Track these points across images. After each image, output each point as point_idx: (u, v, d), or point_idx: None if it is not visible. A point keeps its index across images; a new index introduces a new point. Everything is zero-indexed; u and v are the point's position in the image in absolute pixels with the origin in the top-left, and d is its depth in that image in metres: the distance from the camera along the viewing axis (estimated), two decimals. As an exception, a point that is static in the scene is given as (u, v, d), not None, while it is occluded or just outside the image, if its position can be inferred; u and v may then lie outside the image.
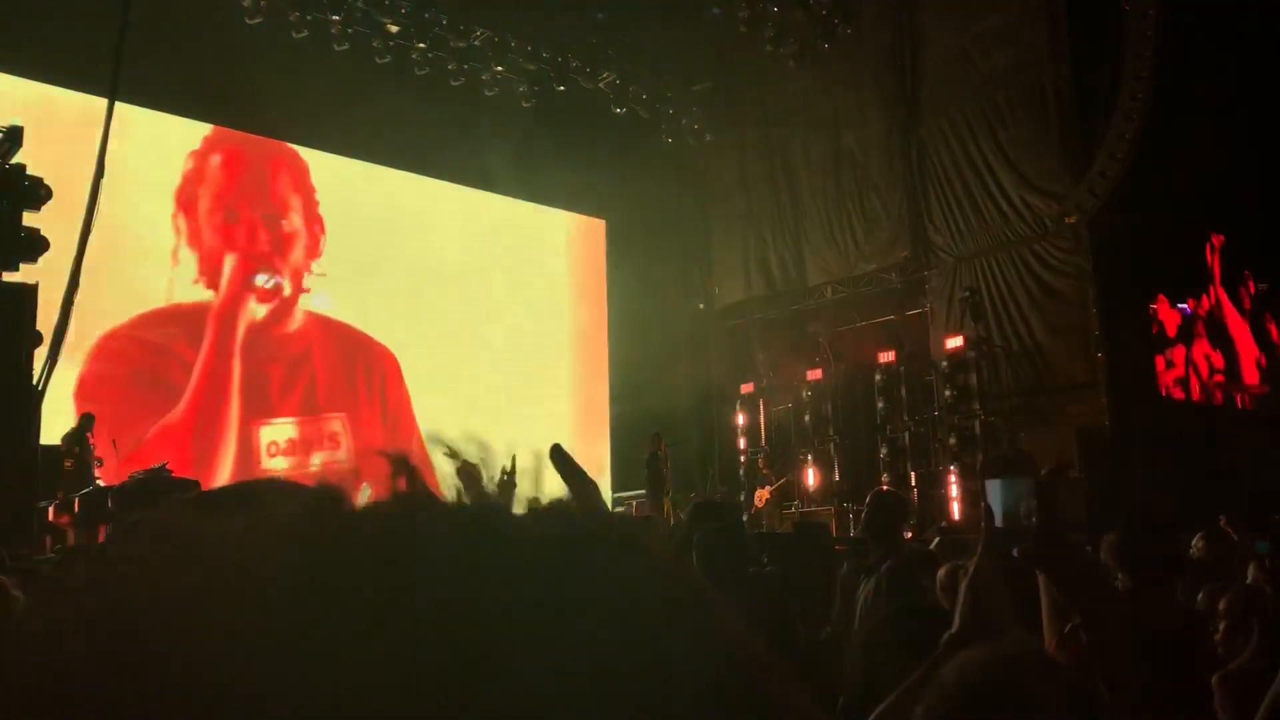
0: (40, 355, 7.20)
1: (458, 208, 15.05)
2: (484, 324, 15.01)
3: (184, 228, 12.47)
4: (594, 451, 15.59)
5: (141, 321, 11.95)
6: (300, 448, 12.73)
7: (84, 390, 11.04)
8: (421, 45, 14.06)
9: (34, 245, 7.16)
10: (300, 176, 13.54)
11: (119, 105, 11.82)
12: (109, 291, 11.40)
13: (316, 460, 12.77)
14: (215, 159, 12.82)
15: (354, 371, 13.60)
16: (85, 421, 9.45)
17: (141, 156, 12.02)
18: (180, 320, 12.24)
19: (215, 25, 11.98)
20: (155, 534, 0.33)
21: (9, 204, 7.01)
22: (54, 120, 10.98)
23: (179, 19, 11.24)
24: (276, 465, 12.43)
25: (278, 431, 12.59)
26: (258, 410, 12.50)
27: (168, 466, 8.80)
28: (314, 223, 13.53)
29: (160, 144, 12.43)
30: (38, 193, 7.14)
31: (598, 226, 17.02)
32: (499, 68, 14.75)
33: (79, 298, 7.42)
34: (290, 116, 12.65)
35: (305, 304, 13.38)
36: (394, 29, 13.79)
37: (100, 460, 9.40)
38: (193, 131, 12.78)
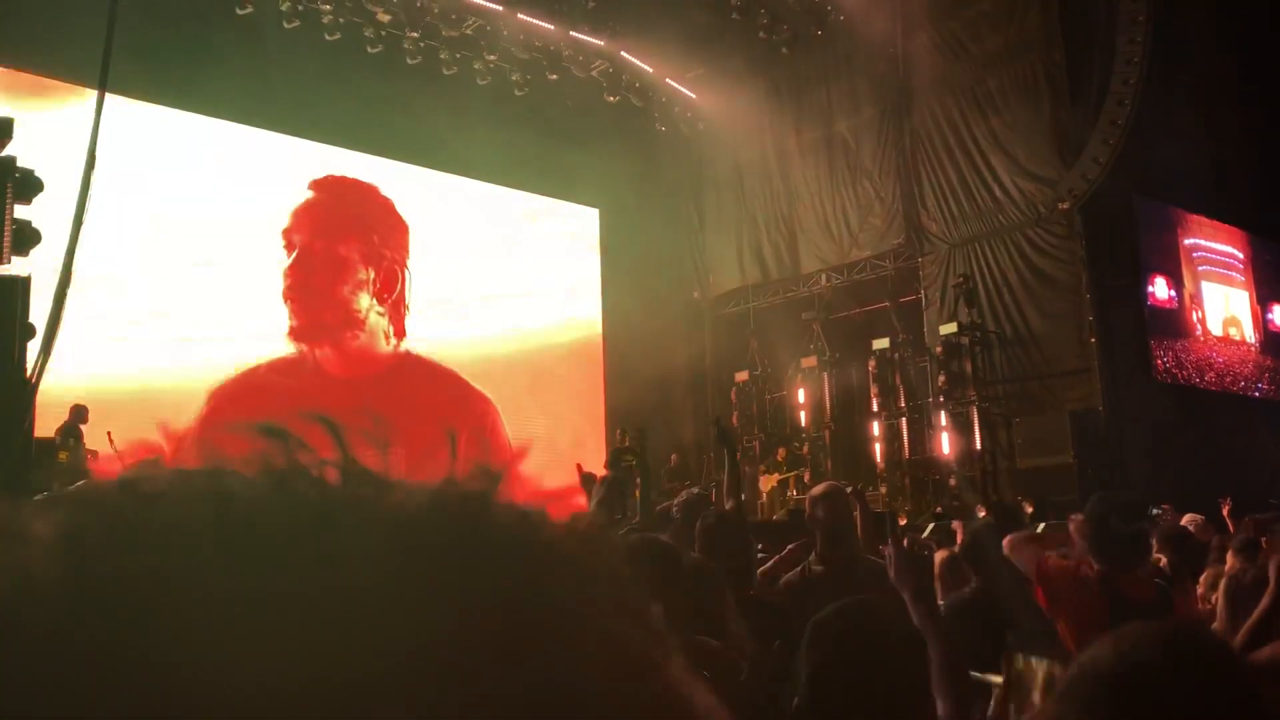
0: (33, 348, 7.18)
1: (449, 197, 15.00)
2: (476, 313, 14.99)
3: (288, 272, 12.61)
4: (588, 441, 15.58)
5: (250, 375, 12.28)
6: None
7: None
8: (414, 34, 14.01)
9: (26, 238, 7.12)
10: (376, 219, 13.58)
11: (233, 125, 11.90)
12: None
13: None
14: (300, 201, 12.95)
15: (438, 411, 13.56)
16: (78, 414, 9.43)
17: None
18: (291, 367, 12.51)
19: (204, 14, 11.92)
20: None
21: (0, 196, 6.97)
22: (46, 111, 10.94)
23: (168, 8, 11.18)
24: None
25: None
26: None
27: (163, 459, 8.79)
28: (388, 264, 13.55)
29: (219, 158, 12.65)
30: (29, 184, 7.11)
31: (591, 215, 16.99)
32: (491, 56, 14.70)
33: (101, 298, 7.40)
34: (279, 106, 12.61)
35: (390, 346, 13.50)
36: (385, 18, 13.73)
37: (94, 453, 9.39)
38: (303, 162, 12.95)
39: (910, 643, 1.72)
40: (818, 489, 3.98)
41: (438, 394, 13.67)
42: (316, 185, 13.21)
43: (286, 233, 12.78)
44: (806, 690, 1.70)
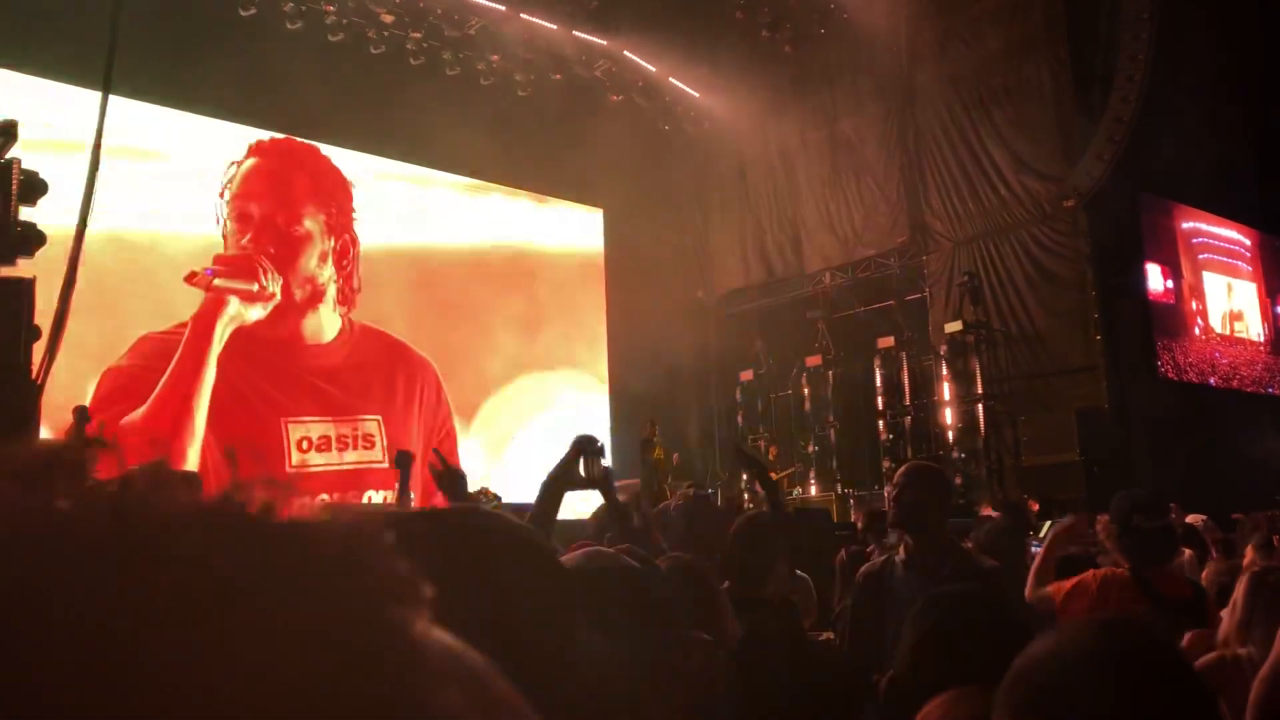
0: (39, 349, 7.19)
1: (453, 197, 15.02)
2: (480, 314, 14.99)
3: (230, 230, 12.52)
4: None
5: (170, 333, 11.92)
6: (335, 444, 12.71)
7: (105, 386, 11.18)
8: (417, 35, 14.02)
9: (30, 239, 7.13)
10: (331, 187, 13.54)
11: (157, 108, 11.98)
12: (150, 298, 11.77)
13: (350, 458, 12.76)
14: (246, 165, 12.87)
15: (393, 379, 13.59)
16: (80, 415, 9.46)
17: (191, 161, 12.34)
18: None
19: (208, 15, 11.93)
20: None
21: (4, 198, 6.98)
22: (50, 113, 10.96)
23: (171, 10, 11.20)
24: (311, 460, 12.41)
25: (309, 429, 12.53)
26: (283, 409, 12.43)
27: (167, 461, 8.79)
28: (343, 234, 13.51)
29: (205, 150, 12.62)
30: (33, 186, 7.12)
31: (595, 215, 16.99)
32: (494, 56, 14.70)
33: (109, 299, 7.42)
34: (281, 105, 12.61)
35: (338, 313, 13.48)
36: (389, 19, 13.74)
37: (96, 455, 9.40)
38: (238, 138, 12.89)
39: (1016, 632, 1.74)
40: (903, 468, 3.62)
41: (386, 359, 13.68)
42: (264, 150, 13.07)
43: (239, 200, 12.65)
44: (907, 660, 1.74)
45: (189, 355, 11.73)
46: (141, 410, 11.31)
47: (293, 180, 13.10)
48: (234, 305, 11.99)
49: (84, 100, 10.08)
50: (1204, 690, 1.14)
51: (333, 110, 12.84)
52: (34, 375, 7.06)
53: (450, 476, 3.55)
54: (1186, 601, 3.34)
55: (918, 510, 3.32)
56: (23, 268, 7.19)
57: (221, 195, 12.58)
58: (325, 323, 13.23)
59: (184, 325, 11.85)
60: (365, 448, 12.93)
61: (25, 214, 7.18)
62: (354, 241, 13.47)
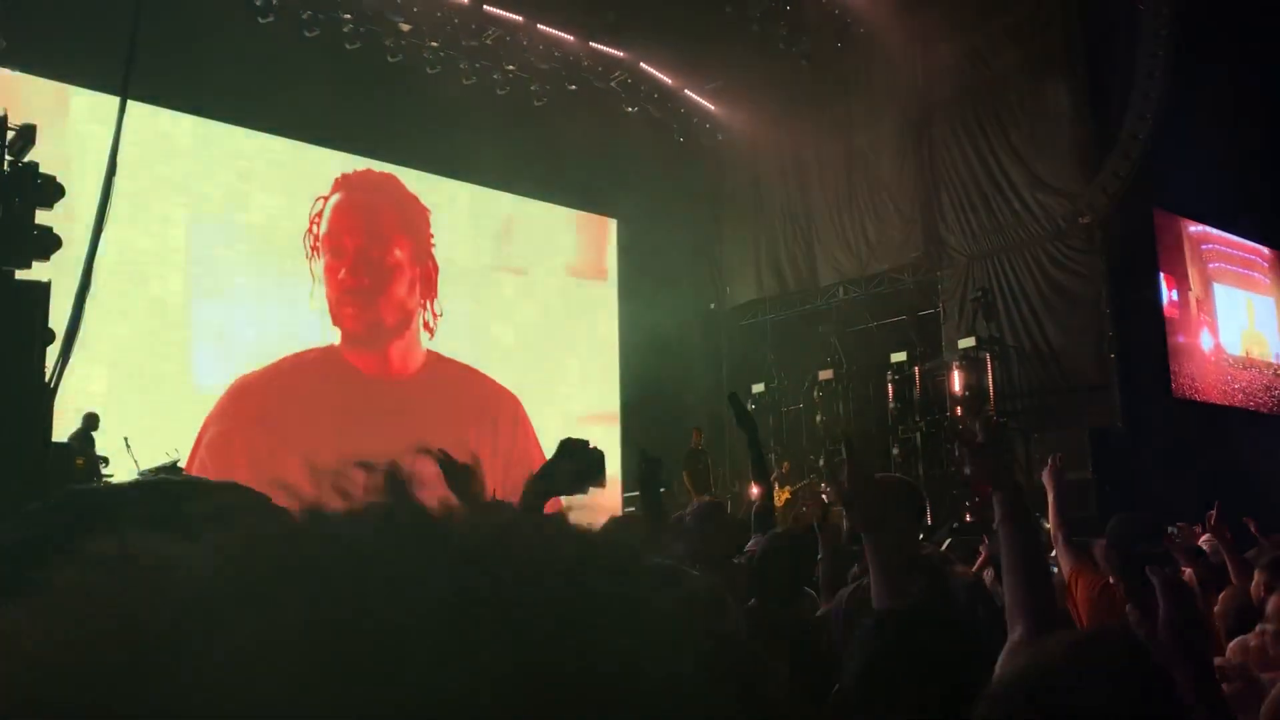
0: (53, 353, 7.21)
1: (467, 206, 15.05)
2: (494, 323, 15.01)
3: (318, 272, 13.00)
4: (604, 451, 15.55)
5: (275, 369, 12.54)
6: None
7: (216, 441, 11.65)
8: (434, 44, 14.06)
9: (46, 243, 7.16)
10: (414, 216, 13.88)
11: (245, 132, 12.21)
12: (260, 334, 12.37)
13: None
14: (334, 199, 13.33)
15: (469, 411, 13.76)
16: (90, 420, 9.49)
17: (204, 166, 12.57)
18: (312, 363, 12.83)
19: (225, 23, 11.98)
20: (113, 562, 0.31)
21: (21, 202, 7.02)
22: (68, 118, 11.04)
23: (189, 17, 11.25)
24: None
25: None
26: (370, 446, 12.54)
27: (179, 465, 8.82)
28: (426, 261, 13.90)
29: (237, 166, 12.89)
30: (50, 191, 7.15)
31: (609, 226, 17.00)
32: (510, 67, 14.74)
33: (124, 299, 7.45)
34: (298, 113, 12.66)
35: (424, 344, 13.85)
36: (406, 28, 13.79)
37: (106, 459, 9.44)
38: (324, 170, 13.35)
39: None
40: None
41: (470, 391, 13.87)
42: (351, 184, 13.42)
43: (332, 236, 13.05)
44: (853, 683, 1.69)
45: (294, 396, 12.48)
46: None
47: (382, 211, 13.58)
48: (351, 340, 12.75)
49: (102, 106, 10.14)
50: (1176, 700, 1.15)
51: (348, 118, 12.91)
52: (47, 379, 7.08)
53: (460, 474, 3.51)
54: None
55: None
56: (38, 271, 7.23)
57: (311, 230, 12.99)
58: (411, 352, 13.54)
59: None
60: (434, 487, 13.04)
61: (42, 218, 7.22)
62: (435, 268, 13.84)
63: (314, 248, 13.03)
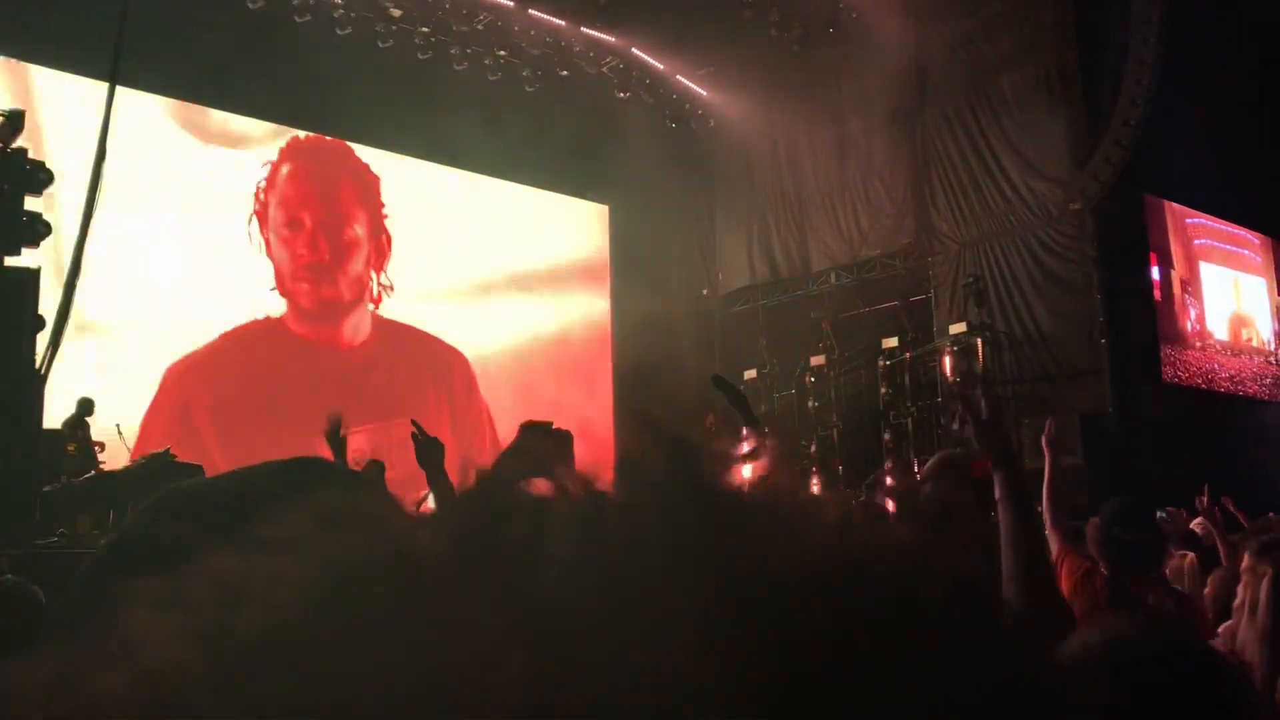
0: (43, 340, 7.20)
1: (459, 193, 15.01)
2: (485, 309, 15.00)
3: (257, 237, 12.79)
4: (596, 437, 15.57)
5: (221, 342, 12.36)
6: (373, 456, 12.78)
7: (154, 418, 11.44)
8: (425, 29, 14.00)
9: (36, 230, 7.14)
10: (369, 188, 13.73)
11: (190, 106, 12.10)
12: (198, 305, 12.10)
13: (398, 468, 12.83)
14: (285, 168, 13.06)
15: (422, 377, 13.67)
16: (85, 406, 9.45)
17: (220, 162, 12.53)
18: (255, 337, 12.61)
19: (215, 8, 11.91)
20: (204, 578, 0.30)
21: (10, 188, 6.99)
22: (58, 104, 10.97)
23: (179, 1, 11.19)
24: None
25: (356, 441, 12.56)
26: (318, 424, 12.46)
27: (171, 451, 8.80)
28: (380, 234, 13.74)
29: (237, 153, 12.83)
30: (39, 177, 7.12)
31: (600, 212, 16.98)
32: (502, 52, 14.68)
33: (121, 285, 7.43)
34: (288, 98, 12.62)
35: (374, 311, 13.76)
36: (396, 13, 13.73)
37: (101, 445, 9.42)
38: (269, 139, 13.13)
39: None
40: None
41: (422, 354, 13.79)
42: (302, 151, 13.22)
43: (289, 207, 12.83)
44: None
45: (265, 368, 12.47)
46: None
47: (339, 182, 13.38)
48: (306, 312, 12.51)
49: (91, 92, 10.08)
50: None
51: (338, 103, 12.85)
52: (37, 365, 7.06)
53: (431, 447, 3.50)
54: (1166, 611, 3.34)
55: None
56: (28, 258, 7.20)
57: (259, 196, 12.71)
58: (360, 323, 13.43)
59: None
60: (403, 454, 12.98)
61: (30, 204, 7.19)
62: (389, 239, 13.73)
63: (260, 215, 12.76)
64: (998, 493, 2.20)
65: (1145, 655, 1.08)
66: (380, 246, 13.75)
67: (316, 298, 12.98)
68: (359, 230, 13.48)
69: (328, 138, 13.56)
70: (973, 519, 2.72)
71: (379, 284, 13.72)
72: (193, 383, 11.98)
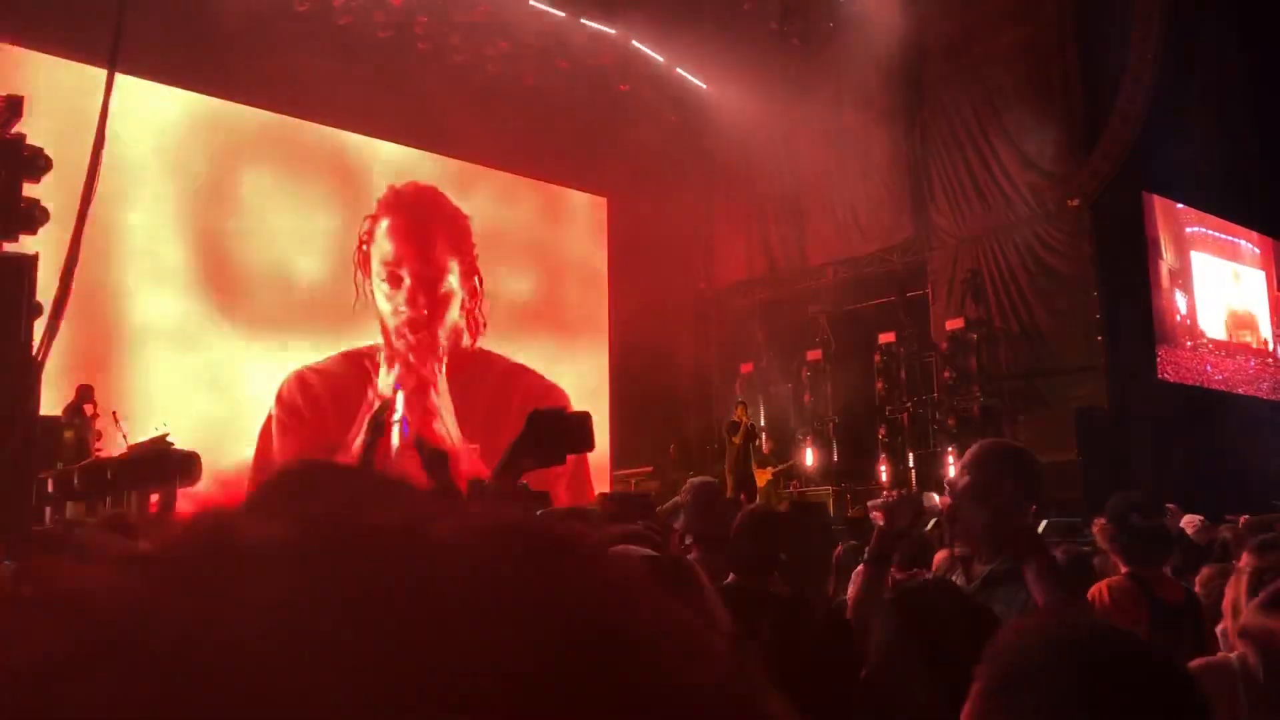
0: (40, 326, 7.20)
1: (458, 183, 14.99)
2: (484, 301, 14.99)
3: (361, 286, 13.45)
4: (588, 412, 15.56)
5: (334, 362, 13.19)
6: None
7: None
8: (424, 19, 13.97)
9: (34, 216, 7.13)
10: (462, 234, 14.35)
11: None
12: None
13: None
14: (384, 222, 13.65)
15: (503, 403, 13.89)
16: (83, 393, 9.46)
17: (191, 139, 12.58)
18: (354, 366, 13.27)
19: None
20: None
21: (9, 174, 6.98)
22: (57, 90, 10.95)
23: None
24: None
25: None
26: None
27: (168, 438, 8.79)
28: (473, 276, 14.38)
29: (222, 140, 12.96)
30: (38, 163, 7.11)
31: (599, 204, 16.97)
32: (501, 43, 14.65)
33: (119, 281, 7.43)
34: (286, 88, 12.58)
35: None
36: (396, 2, 13.70)
37: (99, 432, 9.43)
38: (316, 146, 13.63)
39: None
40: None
41: (520, 389, 14.17)
42: (401, 203, 13.78)
43: (389, 263, 13.43)
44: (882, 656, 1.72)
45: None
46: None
47: (433, 234, 14.03)
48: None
49: (89, 78, 10.06)
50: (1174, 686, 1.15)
51: (337, 94, 12.80)
52: (35, 352, 7.07)
53: (436, 459, 3.56)
54: (1181, 606, 3.37)
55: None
56: (25, 244, 7.20)
57: (360, 248, 13.46)
58: (451, 356, 14.09)
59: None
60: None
61: (29, 190, 7.18)
62: (481, 281, 14.35)
63: (361, 266, 13.48)
64: (1032, 577, 2.24)
65: (1090, 656, 1.10)
66: (473, 290, 14.37)
67: (416, 344, 13.69)
68: (453, 282, 14.14)
69: (422, 184, 14.16)
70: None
71: (477, 322, 14.36)
72: (308, 390, 12.84)
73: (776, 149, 16.38)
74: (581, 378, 15.92)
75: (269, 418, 12.49)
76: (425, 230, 14.03)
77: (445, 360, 13.85)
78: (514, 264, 15.45)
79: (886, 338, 14.52)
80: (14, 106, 7.20)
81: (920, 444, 14.05)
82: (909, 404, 14.20)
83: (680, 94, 16.80)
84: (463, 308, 14.25)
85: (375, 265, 13.54)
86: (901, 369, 14.34)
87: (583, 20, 15.05)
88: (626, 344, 15.96)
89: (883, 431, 14.37)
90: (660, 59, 16.30)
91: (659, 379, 15.55)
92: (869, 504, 2.87)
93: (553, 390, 14.64)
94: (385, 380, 13.22)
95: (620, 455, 15.43)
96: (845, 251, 15.65)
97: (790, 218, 16.38)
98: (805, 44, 15.31)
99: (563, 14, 14.86)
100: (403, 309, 13.56)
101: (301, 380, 12.84)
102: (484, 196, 15.26)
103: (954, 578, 2.86)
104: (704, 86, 16.83)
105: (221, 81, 12.45)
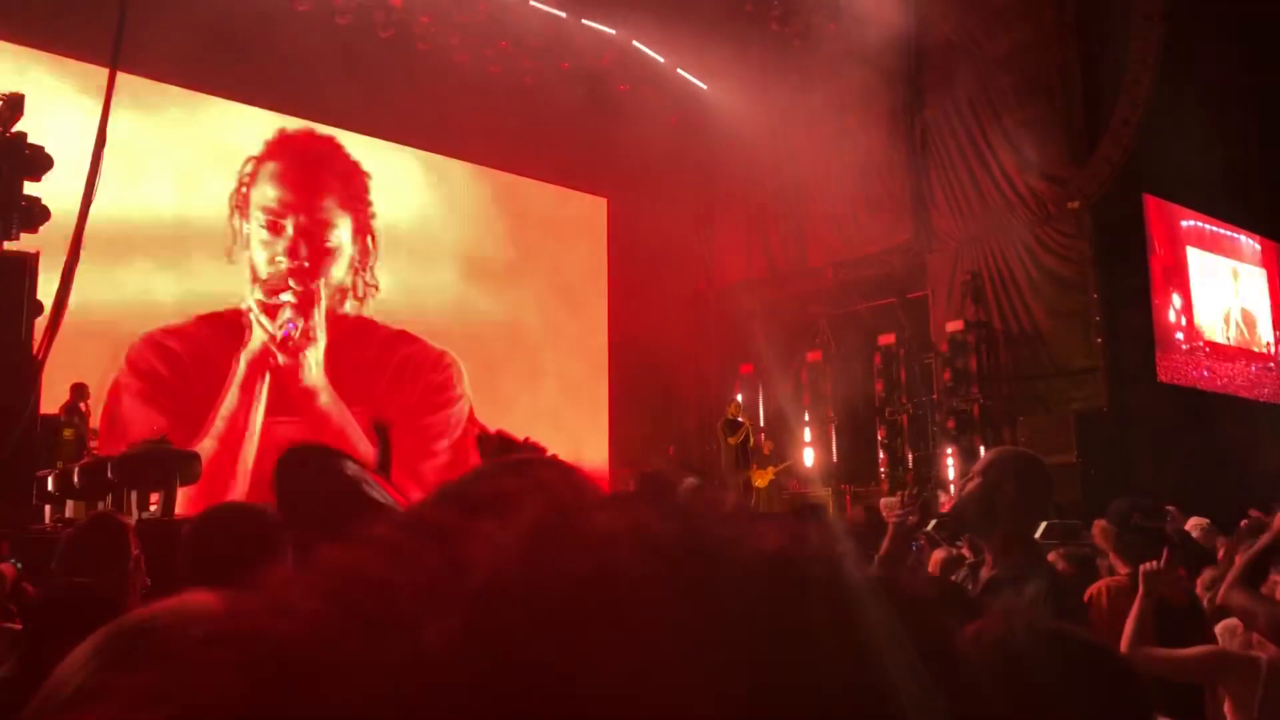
0: (40, 325, 7.19)
1: (457, 184, 15.00)
2: (482, 301, 14.99)
3: (239, 229, 12.68)
4: (591, 430, 15.60)
5: (192, 326, 12.22)
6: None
7: (119, 385, 11.36)
8: (425, 19, 13.97)
9: (35, 214, 7.13)
10: (357, 189, 13.68)
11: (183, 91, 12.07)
12: (170, 285, 12.02)
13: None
14: (269, 166, 12.96)
15: (392, 371, 13.58)
16: (79, 392, 9.46)
17: (207, 146, 12.50)
18: (224, 326, 12.46)
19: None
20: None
21: (10, 172, 6.97)
22: (58, 88, 10.95)
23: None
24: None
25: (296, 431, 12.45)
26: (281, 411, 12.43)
27: (168, 438, 8.79)
28: (365, 235, 13.66)
29: (225, 138, 12.80)
30: (39, 161, 7.11)
31: (599, 204, 16.97)
32: (502, 43, 14.65)
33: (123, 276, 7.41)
34: (287, 87, 12.59)
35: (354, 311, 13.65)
36: (397, 2, 13.69)
37: (96, 430, 9.42)
38: (257, 129, 13.02)
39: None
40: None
41: (401, 354, 13.71)
42: (290, 149, 13.13)
43: (270, 210, 12.79)
44: None
45: (243, 397, 12.06)
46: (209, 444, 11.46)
47: (322, 184, 13.24)
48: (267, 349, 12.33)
49: (91, 76, 10.05)
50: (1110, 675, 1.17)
51: (337, 93, 12.80)
52: (35, 350, 7.06)
53: (487, 443, 3.50)
54: (1184, 608, 3.37)
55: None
56: (26, 243, 7.19)
57: (240, 190, 12.66)
58: (330, 318, 13.33)
59: (237, 310, 12.35)
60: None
61: (30, 189, 7.18)
62: (375, 240, 13.63)
63: (240, 208, 12.68)
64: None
65: (1028, 646, 1.11)
66: (364, 249, 13.65)
67: (291, 297, 12.79)
68: (340, 235, 13.37)
69: (317, 132, 13.41)
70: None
71: (365, 283, 13.65)
72: (158, 359, 11.88)
73: (776, 149, 16.37)
74: (581, 378, 15.92)
75: (115, 384, 11.43)
76: (315, 179, 13.25)
77: (323, 319, 13.02)
78: (514, 264, 15.45)
79: (886, 339, 14.52)
80: (15, 104, 7.19)
81: (919, 445, 14.05)
82: (908, 405, 14.21)
83: (680, 94, 16.80)
84: (351, 266, 13.47)
85: (253, 212, 12.74)
86: (901, 370, 14.34)
87: (583, 20, 15.05)
88: (626, 344, 15.97)
89: (882, 432, 14.39)
90: (660, 59, 16.30)
91: (659, 379, 15.55)
92: (883, 502, 2.90)
93: (442, 358, 14.07)
94: (277, 325, 12.41)
95: (619, 455, 15.44)
96: (845, 252, 15.64)
97: (790, 218, 16.37)
98: (806, 44, 15.30)
99: (563, 14, 14.86)
100: (281, 259, 12.72)
101: (157, 344, 11.91)
102: (484, 196, 15.26)
103: (954, 577, 2.88)
104: (704, 86, 16.82)
105: (220, 82, 12.45)
